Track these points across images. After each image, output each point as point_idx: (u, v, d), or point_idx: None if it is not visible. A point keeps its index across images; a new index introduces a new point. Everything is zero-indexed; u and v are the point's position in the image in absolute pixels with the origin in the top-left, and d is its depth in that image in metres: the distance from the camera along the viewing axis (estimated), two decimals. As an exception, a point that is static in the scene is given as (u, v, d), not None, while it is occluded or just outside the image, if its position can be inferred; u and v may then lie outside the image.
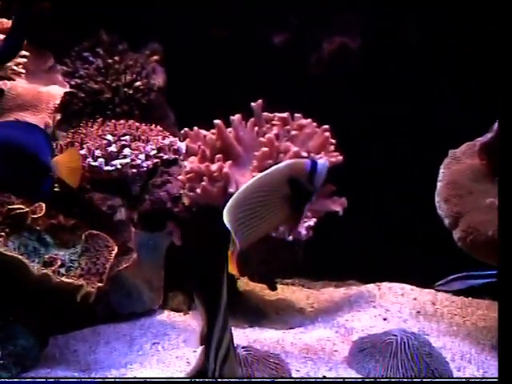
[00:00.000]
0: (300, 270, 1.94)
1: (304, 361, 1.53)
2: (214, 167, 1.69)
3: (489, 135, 1.62)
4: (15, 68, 1.68)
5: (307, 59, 2.16)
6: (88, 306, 1.51)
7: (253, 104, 1.77)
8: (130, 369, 1.49)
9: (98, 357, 1.55)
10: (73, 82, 1.98)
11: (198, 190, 1.70)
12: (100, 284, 1.52)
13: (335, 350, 1.59)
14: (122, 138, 1.75)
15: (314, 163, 1.26)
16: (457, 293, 1.94)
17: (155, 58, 2.11)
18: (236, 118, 1.77)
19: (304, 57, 2.16)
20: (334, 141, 1.74)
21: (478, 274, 1.82)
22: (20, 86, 1.73)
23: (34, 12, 1.71)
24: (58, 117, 1.79)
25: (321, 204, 1.69)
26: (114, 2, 1.99)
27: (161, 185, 1.84)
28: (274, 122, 1.77)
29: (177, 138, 1.85)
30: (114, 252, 1.57)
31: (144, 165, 1.76)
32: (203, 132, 1.78)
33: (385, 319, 1.76)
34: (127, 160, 1.73)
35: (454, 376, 1.46)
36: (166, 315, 1.79)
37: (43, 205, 1.56)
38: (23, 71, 1.72)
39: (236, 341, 1.18)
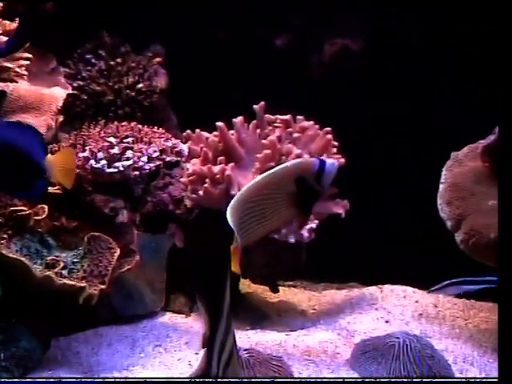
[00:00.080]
0: (302, 272, 1.94)
1: (306, 363, 1.53)
2: (216, 169, 1.69)
3: (491, 137, 1.62)
4: (18, 70, 1.69)
5: (309, 61, 2.16)
6: (90, 308, 1.52)
7: (255, 106, 1.77)
8: (131, 371, 1.49)
9: (100, 359, 1.55)
10: (75, 84, 1.98)
11: (201, 192, 1.69)
12: (102, 286, 1.52)
13: (337, 353, 1.59)
14: (125, 140, 1.75)
15: (323, 163, 1.25)
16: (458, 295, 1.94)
17: (157, 59, 2.11)
18: (238, 120, 1.77)
19: (305, 58, 2.16)
20: (336, 143, 1.74)
21: (473, 279, 1.82)
22: (22, 87, 1.73)
23: (39, 12, 1.71)
24: (61, 119, 1.80)
25: (323, 206, 1.69)
26: (115, 3, 1.99)
27: (163, 187, 1.83)
28: (276, 124, 1.77)
29: (179, 140, 1.85)
30: (117, 254, 1.57)
31: (146, 167, 1.75)
32: (205, 134, 1.78)
33: (387, 322, 1.76)
34: (130, 162, 1.72)
35: (456, 379, 1.46)
36: (168, 317, 1.79)
37: (45, 207, 1.56)
38: (26, 73, 1.72)
39: (238, 343, 1.18)
